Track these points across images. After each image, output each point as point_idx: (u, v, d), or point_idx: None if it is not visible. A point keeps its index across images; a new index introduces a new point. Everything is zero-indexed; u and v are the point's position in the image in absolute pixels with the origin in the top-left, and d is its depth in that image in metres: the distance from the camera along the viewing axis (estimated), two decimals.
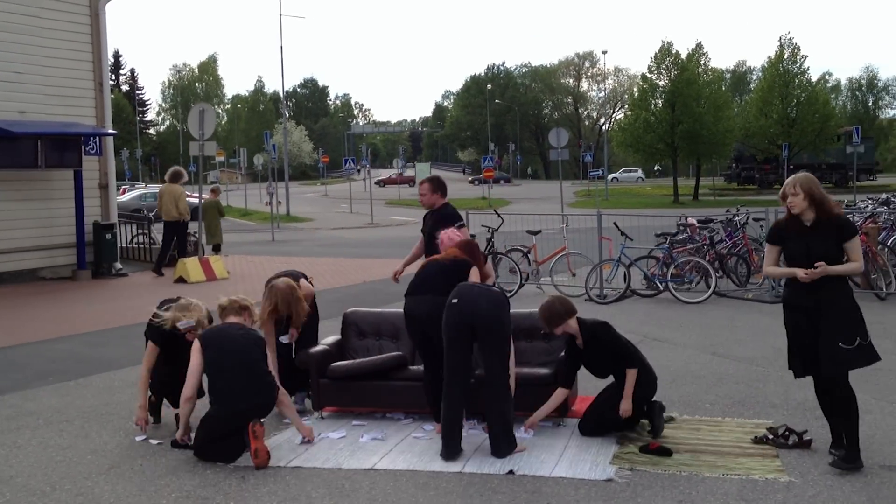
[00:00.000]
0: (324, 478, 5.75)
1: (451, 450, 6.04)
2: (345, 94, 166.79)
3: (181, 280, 16.69)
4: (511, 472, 5.75)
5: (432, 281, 6.64)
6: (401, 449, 6.30)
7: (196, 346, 6.34)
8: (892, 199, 20.31)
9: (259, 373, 6.25)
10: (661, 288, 13.38)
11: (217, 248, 21.35)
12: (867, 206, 19.21)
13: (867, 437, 6.37)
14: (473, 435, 6.51)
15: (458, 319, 6.06)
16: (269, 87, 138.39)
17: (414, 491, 5.46)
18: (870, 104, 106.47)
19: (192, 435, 6.34)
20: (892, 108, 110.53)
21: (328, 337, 7.86)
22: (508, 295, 13.45)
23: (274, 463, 6.01)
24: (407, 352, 7.37)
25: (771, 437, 6.25)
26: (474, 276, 6.66)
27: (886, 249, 13.91)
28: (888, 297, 13.00)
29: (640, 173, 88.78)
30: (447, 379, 6.15)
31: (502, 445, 6.04)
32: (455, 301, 6.11)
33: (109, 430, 7.01)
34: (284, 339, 7.41)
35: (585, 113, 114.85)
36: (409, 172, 75.93)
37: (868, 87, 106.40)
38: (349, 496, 5.40)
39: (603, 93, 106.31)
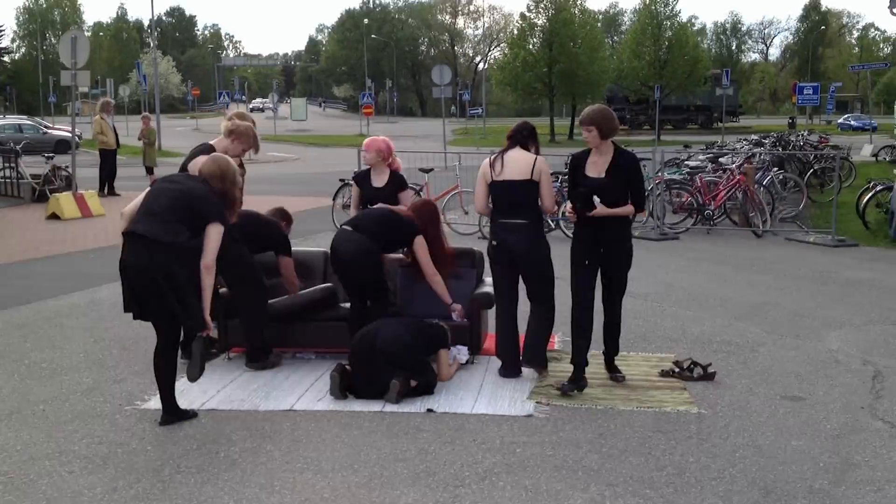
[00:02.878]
0: (242, 420, 5.63)
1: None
2: (214, 25, 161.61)
3: (54, 216, 15.92)
4: (430, 410, 5.77)
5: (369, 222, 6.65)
6: (317, 388, 6.23)
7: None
8: (763, 140, 21.20)
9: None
10: (553, 226, 13.60)
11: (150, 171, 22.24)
12: (742, 147, 19.99)
13: (765, 369, 6.71)
14: None
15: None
16: (132, 15, 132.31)
17: (337, 431, 5.41)
18: (733, 48, 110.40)
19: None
20: (753, 52, 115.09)
21: None
22: None
23: (186, 405, 5.82)
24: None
25: (677, 370, 6.48)
26: (419, 246, 6.61)
27: (762, 189, 14.52)
28: (764, 234, 13.61)
29: None
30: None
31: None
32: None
33: (2, 374, 6.65)
34: None
35: (461, 51, 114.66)
36: (283, 107, 74.48)
37: (732, 31, 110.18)
38: (271, 437, 5.31)
39: (479, 31, 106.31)
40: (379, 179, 7.32)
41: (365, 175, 7.46)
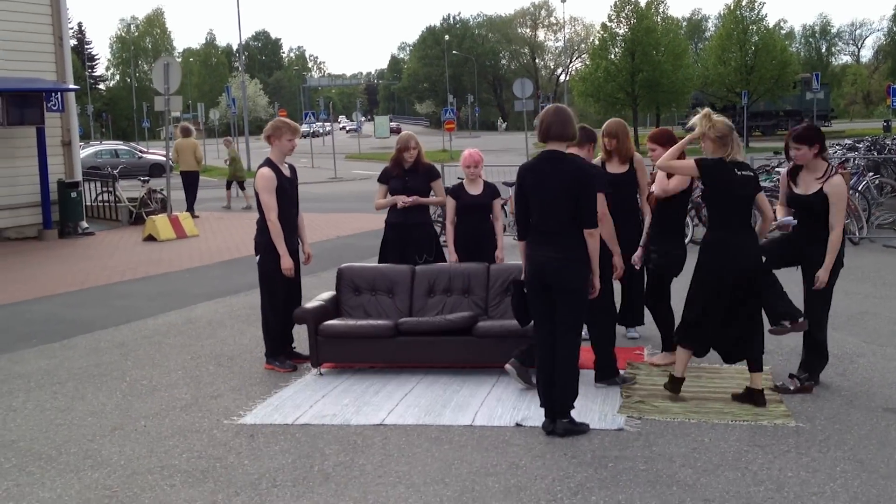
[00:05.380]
0: (334, 434, 5.71)
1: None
2: (299, 47, 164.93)
3: (151, 238, 16.43)
4: (519, 424, 5.77)
5: None
6: (407, 403, 6.29)
7: None
8: (858, 144, 20.60)
9: None
10: None
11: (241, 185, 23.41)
12: (836, 152, 19.46)
13: (864, 380, 6.50)
14: (480, 384, 6.56)
15: None
16: (221, 40, 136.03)
17: (427, 445, 5.45)
18: (823, 51, 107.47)
19: None
20: (844, 55, 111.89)
21: (323, 293, 7.81)
22: None
23: (280, 420, 5.96)
24: (405, 307, 7.37)
25: (777, 384, 6.33)
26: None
27: (857, 194, 14.10)
28: (861, 241, 13.21)
29: None
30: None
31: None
32: None
33: (105, 391, 6.90)
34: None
35: (542, 63, 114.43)
36: (367, 126, 75.60)
37: (822, 33, 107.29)
38: (363, 452, 5.38)
39: (560, 42, 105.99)
40: (474, 188, 7.80)
41: (459, 187, 7.89)
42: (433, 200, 8.15)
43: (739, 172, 5.85)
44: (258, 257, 7.41)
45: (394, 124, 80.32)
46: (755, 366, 6.01)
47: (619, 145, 7.48)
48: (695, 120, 6.07)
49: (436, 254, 8.08)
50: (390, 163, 8.18)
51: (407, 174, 8.05)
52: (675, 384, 6.17)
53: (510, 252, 8.28)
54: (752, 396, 5.98)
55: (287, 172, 7.46)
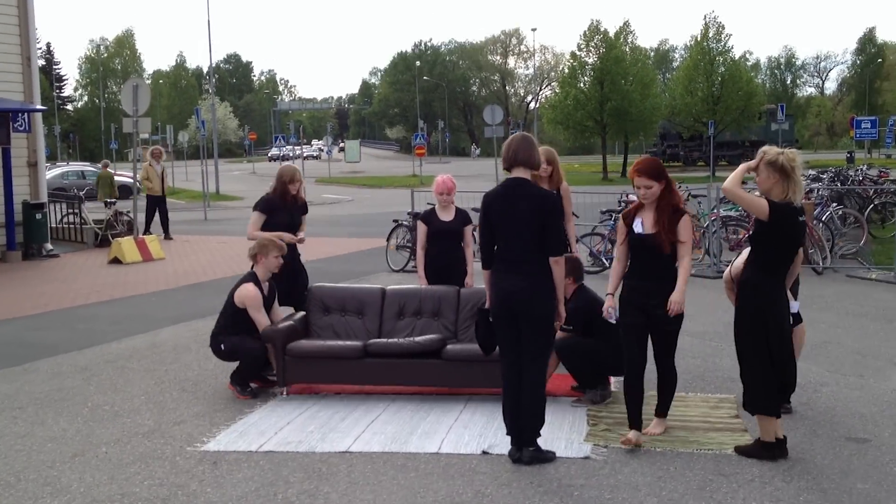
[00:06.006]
0: (299, 461, 5.66)
1: None
2: (270, 70, 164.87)
3: (116, 261, 16.25)
4: (485, 451, 5.75)
5: None
6: (373, 430, 6.25)
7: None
8: (822, 175, 20.90)
9: None
10: (607, 264, 13.52)
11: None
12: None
13: (828, 409, 6.56)
14: (447, 410, 6.54)
15: None
16: (191, 63, 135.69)
17: (393, 473, 5.41)
18: (788, 83, 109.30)
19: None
20: (809, 87, 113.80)
21: (294, 313, 7.78)
22: None
23: (245, 447, 5.90)
24: (375, 328, 7.35)
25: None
26: None
27: (821, 225, 14.29)
28: (825, 271, 13.37)
29: None
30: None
31: None
32: None
33: (66, 416, 6.79)
34: None
35: (513, 90, 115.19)
36: (337, 150, 75.41)
37: (787, 65, 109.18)
38: (328, 480, 5.33)
39: (530, 70, 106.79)
40: (446, 214, 7.91)
41: (431, 212, 7.99)
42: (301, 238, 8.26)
43: (801, 219, 5.56)
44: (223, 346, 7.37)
45: (276, 150, 73.39)
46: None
47: (553, 173, 7.45)
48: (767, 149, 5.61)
49: None
50: (273, 193, 8.10)
51: (292, 207, 8.10)
52: (781, 447, 5.56)
53: (480, 279, 8.29)
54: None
55: (266, 291, 7.47)
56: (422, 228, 7.94)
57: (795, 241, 5.63)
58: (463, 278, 7.84)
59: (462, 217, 7.99)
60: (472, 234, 7.96)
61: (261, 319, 7.25)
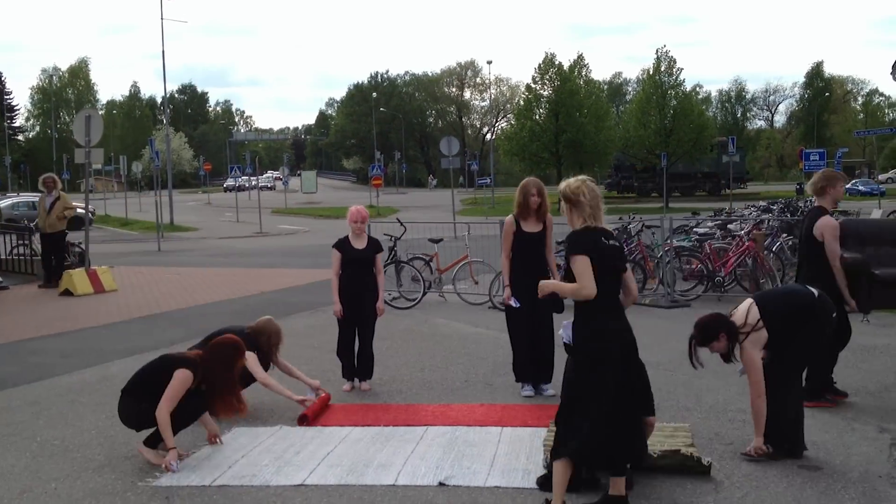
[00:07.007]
0: (253, 496, 5.58)
1: None
2: (225, 101, 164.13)
3: (67, 293, 15.99)
4: (442, 483, 5.73)
5: None
6: (329, 463, 6.19)
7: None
8: (772, 206, 21.28)
9: None
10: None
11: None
12: (751, 213, 20.06)
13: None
14: (404, 442, 6.50)
15: None
16: (145, 93, 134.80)
17: None
18: (738, 115, 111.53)
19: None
20: (759, 119, 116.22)
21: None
22: (412, 304, 13.54)
23: (198, 482, 5.81)
24: None
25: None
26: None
27: (772, 255, 14.53)
28: None
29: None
30: None
31: None
32: None
33: (14, 452, 6.64)
34: None
35: (469, 122, 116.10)
36: (293, 180, 75.13)
37: (737, 98, 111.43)
38: None
39: (486, 102, 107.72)
40: (359, 242, 8.38)
41: (345, 240, 8.41)
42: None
43: (610, 242, 5.46)
44: None
45: (231, 181, 66.37)
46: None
47: (541, 204, 7.74)
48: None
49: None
50: None
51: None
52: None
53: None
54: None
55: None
56: (336, 256, 8.34)
57: (608, 259, 5.31)
58: (374, 304, 8.33)
59: (374, 245, 8.51)
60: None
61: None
